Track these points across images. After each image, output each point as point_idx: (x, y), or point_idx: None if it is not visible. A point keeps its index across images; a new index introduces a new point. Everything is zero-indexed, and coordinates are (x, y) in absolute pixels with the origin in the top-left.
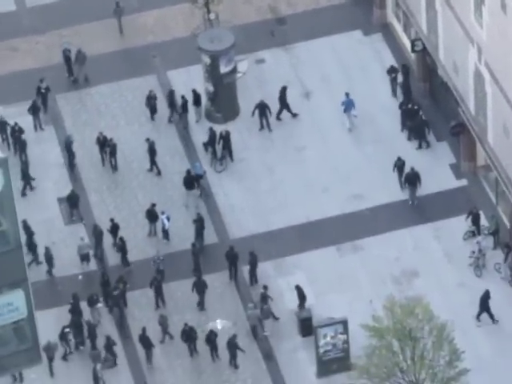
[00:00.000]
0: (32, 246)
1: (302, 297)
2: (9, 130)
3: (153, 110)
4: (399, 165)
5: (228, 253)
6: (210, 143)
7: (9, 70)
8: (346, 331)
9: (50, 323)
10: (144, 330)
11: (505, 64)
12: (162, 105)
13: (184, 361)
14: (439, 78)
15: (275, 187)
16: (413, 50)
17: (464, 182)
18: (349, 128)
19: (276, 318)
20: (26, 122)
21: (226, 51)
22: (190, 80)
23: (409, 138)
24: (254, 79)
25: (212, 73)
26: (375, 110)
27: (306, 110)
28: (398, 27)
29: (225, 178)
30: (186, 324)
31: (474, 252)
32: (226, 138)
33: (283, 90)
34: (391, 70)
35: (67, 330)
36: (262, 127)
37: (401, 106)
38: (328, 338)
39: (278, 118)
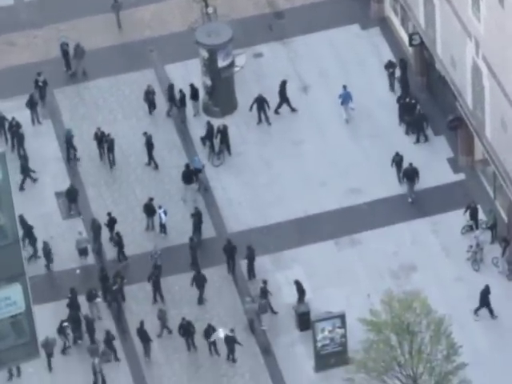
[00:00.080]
0: (31, 241)
1: (301, 291)
2: (6, 125)
3: (151, 105)
4: (397, 160)
5: (226, 246)
6: (207, 137)
7: (6, 64)
8: (343, 325)
9: (48, 317)
10: (142, 323)
11: (502, 58)
12: (159, 99)
13: (182, 355)
14: (437, 72)
15: (273, 181)
16: (410, 44)
17: (462, 176)
18: (346, 119)
19: (275, 313)
20: (23, 116)
21: (224, 45)
22: (187, 74)
23: (406, 133)
24: (251, 73)
25: (210, 67)
26: (373, 104)
27: (304, 104)
28: (396, 21)
29: (222, 172)
30: (183, 318)
31: (471, 246)
32: (223, 132)
33: (283, 84)
34: (389, 65)
35: (65, 323)
36: (260, 121)
37: (398, 100)
38: (326, 332)
39: (277, 111)
